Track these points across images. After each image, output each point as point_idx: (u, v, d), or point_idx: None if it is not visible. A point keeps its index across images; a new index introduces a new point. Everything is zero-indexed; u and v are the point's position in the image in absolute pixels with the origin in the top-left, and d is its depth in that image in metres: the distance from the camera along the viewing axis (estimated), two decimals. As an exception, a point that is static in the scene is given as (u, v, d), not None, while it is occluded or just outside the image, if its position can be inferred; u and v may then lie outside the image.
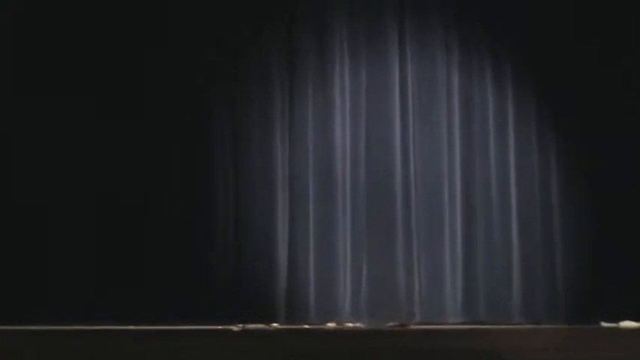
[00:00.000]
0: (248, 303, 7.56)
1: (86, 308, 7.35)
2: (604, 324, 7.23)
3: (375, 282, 7.72)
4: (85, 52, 7.77)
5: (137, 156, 7.72)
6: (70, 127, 7.68)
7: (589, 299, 7.59)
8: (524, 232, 7.86)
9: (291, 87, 7.96)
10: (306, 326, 7.41)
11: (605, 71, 7.85)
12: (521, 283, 7.78)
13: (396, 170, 7.88)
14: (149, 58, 7.81)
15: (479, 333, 7.03)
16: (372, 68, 8.01)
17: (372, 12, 8.03)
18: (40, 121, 7.68)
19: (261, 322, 7.29)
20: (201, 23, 7.89)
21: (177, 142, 7.83)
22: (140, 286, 7.52)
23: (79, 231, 7.60)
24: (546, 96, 7.99)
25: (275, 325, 7.36)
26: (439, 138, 7.96)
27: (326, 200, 7.84)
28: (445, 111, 7.98)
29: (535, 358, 6.32)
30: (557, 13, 7.95)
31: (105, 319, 7.04)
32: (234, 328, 7.05)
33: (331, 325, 7.45)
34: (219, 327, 7.03)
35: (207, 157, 7.87)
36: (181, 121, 7.82)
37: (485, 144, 7.97)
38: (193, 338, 6.71)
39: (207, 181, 7.84)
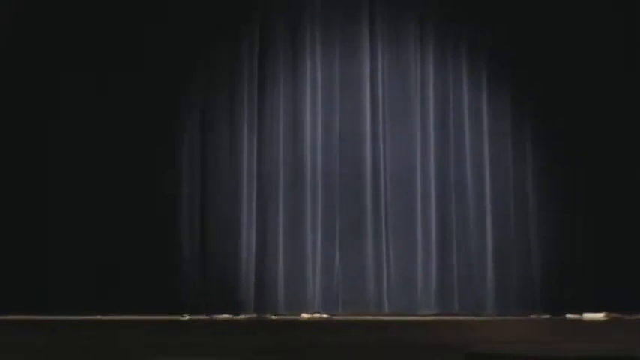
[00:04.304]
0: (215, 295, 7.57)
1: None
2: (569, 316, 7.35)
3: (347, 273, 7.73)
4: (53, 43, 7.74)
5: (103, 149, 7.66)
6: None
7: (562, 290, 7.66)
8: (498, 223, 7.88)
9: (261, 78, 7.91)
10: (277, 317, 7.42)
11: (580, 62, 7.89)
12: (494, 274, 7.80)
13: (367, 162, 7.87)
14: (118, 48, 7.76)
15: (447, 324, 7.07)
16: (344, 60, 7.99)
17: (345, 3, 8.02)
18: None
19: (229, 314, 7.33)
20: (172, 14, 7.84)
21: (145, 135, 7.72)
22: (105, 277, 7.48)
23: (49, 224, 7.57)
24: (521, 87, 8.01)
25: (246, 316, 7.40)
26: (412, 130, 7.95)
27: (296, 192, 7.81)
28: (419, 102, 7.97)
29: (498, 349, 6.37)
30: (535, 5, 7.97)
31: (71, 310, 7.08)
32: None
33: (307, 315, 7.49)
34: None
35: (174, 148, 7.80)
36: (148, 112, 7.73)
37: (459, 135, 7.98)
38: (164, 329, 6.74)
39: (174, 173, 7.77)
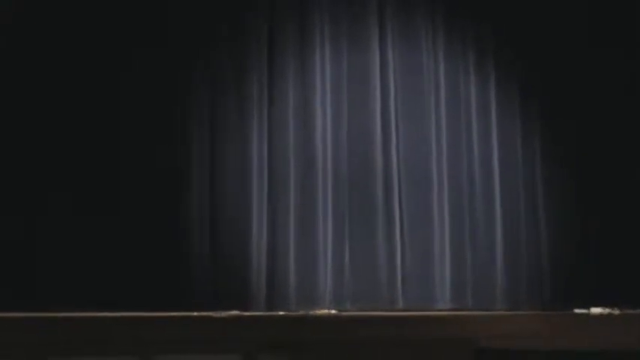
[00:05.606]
0: (226, 292, 7.59)
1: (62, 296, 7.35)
2: (577, 310, 7.35)
3: (359, 269, 7.76)
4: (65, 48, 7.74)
5: (110, 149, 7.68)
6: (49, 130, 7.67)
7: (573, 285, 7.71)
8: (508, 218, 7.93)
9: (270, 73, 7.92)
10: (285, 313, 7.40)
11: (590, 60, 7.95)
12: (505, 269, 7.86)
13: (378, 157, 7.89)
14: (126, 45, 7.76)
15: (457, 320, 7.07)
16: (353, 54, 8.01)
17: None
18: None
19: (240, 310, 7.32)
20: (178, 8, 7.85)
21: (153, 130, 7.74)
22: (115, 272, 7.48)
23: (58, 219, 7.55)
24: (530, 83, 8.06)
25: (254, 312, 7.38)
26: (424, 124, 7.98)
27: (306, 188, 7.83)
28: (430, 95, 8.01)
29: (508, 344, 6.39)
30: (543, 2, 8.02)
31: (83, 307, 7.03)
32: (215, 314, 7.10)
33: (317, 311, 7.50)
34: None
35: (183, 145, 7.80)
36: (156, 111, 7.75)
37: (469, 131, 8.02)
38: (172, 325, 6.72)
39: (184, 169, 7.77)
